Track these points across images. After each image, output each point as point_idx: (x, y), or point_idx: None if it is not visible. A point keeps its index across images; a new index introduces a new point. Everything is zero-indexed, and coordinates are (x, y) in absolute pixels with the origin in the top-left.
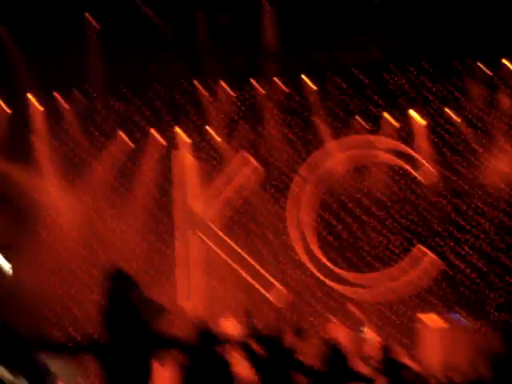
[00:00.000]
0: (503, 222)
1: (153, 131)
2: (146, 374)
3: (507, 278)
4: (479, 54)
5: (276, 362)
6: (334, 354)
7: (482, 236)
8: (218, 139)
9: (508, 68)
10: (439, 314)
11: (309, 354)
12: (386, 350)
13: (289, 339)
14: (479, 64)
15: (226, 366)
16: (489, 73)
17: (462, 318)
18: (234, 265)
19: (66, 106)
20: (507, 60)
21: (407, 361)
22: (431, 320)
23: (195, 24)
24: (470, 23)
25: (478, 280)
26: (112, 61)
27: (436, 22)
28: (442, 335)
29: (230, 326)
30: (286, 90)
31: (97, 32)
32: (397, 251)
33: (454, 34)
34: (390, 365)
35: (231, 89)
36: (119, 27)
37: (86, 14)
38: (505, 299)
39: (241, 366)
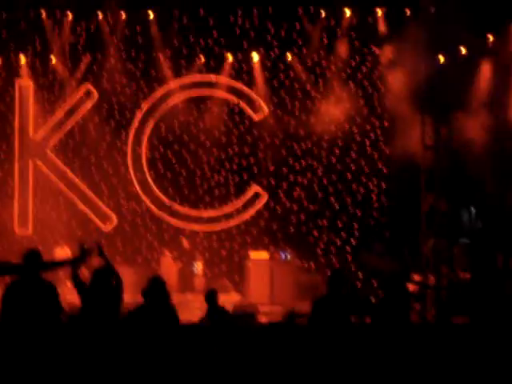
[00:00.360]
0: (334, 165)
1: None
2: None
3: (336, 220)
4: (322, 3)
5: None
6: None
7: (314, 179)
8: (62, 70)
9: (348, 17)
10: (269, 251)
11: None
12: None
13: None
14: (322, 11)
15: (52, 290)
16: (330, 20)
17: (288, 256)
18: (71, 194)
19: None
20: (348, 9)
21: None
22: (259, 256)
23: None
24: None
25: (307, 221)
26: None
27: None
28: (264, 268)
29: (64, 254)
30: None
31: None
32: (232, 189)
33: None
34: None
35: (77, 20)
36: None
37: None
38: (331, 241)
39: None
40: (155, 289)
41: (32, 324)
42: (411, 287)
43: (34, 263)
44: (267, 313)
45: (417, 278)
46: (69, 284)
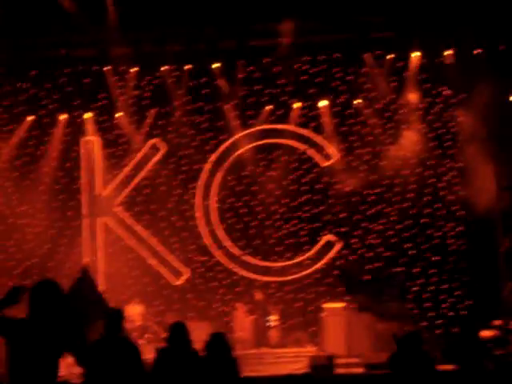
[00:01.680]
0: (408, 211)
1: (62, 116)
2: None
3: (412, 266)
4: (390, 47)
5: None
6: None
7: (388, 225)
8: (128, 125)
9: (418, 61)
10: (343, 302)
11: None
12: None
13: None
14: (389, 56)
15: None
16: (399, 64)
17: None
18: (142, 250)
19: None
20: (416, 52)
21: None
22: (334, 306)
23: (106, 10)
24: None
25: (383, 268)
26: (20, 44)
27: (346, 10)
28: (340, 318)
29: (138, 312)
30: (197, 77)
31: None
32: (304, 240)
33: (364, 26)
34: None
35: (142, 75)
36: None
37: None
38: (407, 288)
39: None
40: (216, 343)
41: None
42: (491, 333)
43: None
44: (344, 365)
45: (497, 323)
46: None
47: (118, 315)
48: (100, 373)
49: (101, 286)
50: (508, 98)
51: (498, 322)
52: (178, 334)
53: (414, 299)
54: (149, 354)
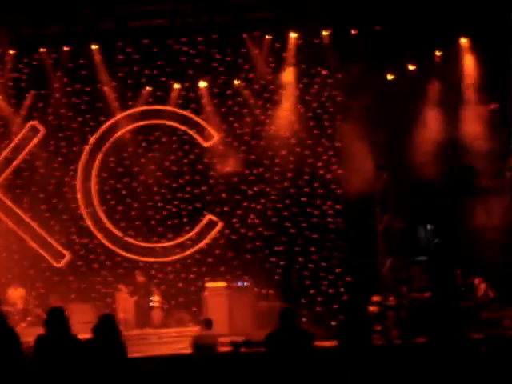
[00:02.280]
0: (288, 190)
1: None
2: None
3: (292, 245)
4: (267, 28)
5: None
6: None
7: (268, 205)
8: (7, 107)
9: (296, 42)
10: (226, 281)
11: None
12: None
13: None
14: (266, 37)
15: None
16: (277, 45)
17: (245, 284)
18: (21, 233)
19: None
20: (294, 33)
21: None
22: (216, 285)
23: None
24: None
25: (263, 247)
26: None
27: None
28: (222, 298)
29: (19, 295)
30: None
31: None
32: (186, 220)
33: (242, 7)
34: None
35: (20, 57)
36: None
37: None
38: (286, 265)
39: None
40: (105, 326)
41: None
42: (371, 308)
43: None
44: (227, 343)
45: (376, 298)
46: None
47: None
48: None
49: None
50: (384, 78)
51: (376, 298)
52: (56, 319)
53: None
54: (31, 338)
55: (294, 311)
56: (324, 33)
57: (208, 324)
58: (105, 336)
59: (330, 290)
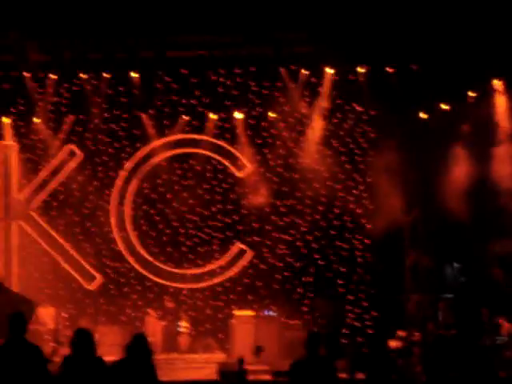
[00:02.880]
0: (318, 223)
1: None
2: None
3: (320, 277)
4: (303, 61)
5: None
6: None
7: (298, 236)
8: (46, 131)
9: (332, 77)
10: (253, 310)
11: None
12: None
13: None
14: (303, 71)
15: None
16: (313, 80)
17: (272, 312)
18: (55, 255)
19: None
20: (330, 68)
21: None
22: (244, 314)
23: (24, 14)
24: (294, 29)
25: (291, 278)
26: None
27: (263, 25)
28: (249, 326)
29: (50, 315)
30: (115, 85)
31: None
32: (216, 248)
33: (279, 41)
34: None
35: (61, 82)
36: None
37: None
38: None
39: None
40: (138, 345)
41: None
42: (395, 343)
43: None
44: (253, 371)
45: (401, 334)
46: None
47: (20, 319)
48: (4, 376)
49: (14, 288)
50: (417, 116)
51: (402, 334)
52: (82, 340)
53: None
54: (59, 358)
55: (319, 336)
56: (360, 69)
57: (258, 350)
58: (137, 355)
59: (356, 324)
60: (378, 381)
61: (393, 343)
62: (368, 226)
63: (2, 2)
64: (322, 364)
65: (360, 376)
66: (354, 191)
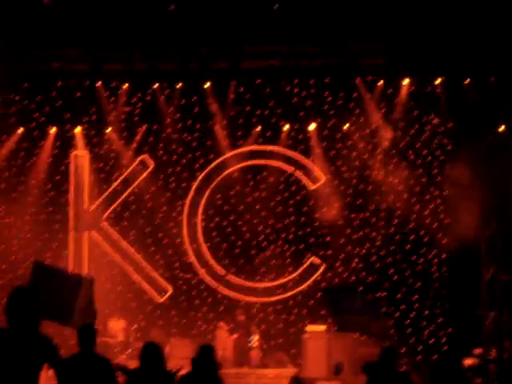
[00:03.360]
0: (393, 236)
1: (52, 129)
2: None
3: (395, 292)
4: (379, 72)
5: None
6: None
7: (372, 250)
8: (118, 141)
9: (408, 88)
10: (326, 325)
11: None
12: None
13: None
14: (380, 82)
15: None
16: (388, 91)
17: None
18: (126, 265)
19: None
20: (406, 79)
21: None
22: (316, 329)
23: (98, 24)
24: (370, 40)
25: (365, 292)
26: (13, 56)
27: (338, 36)
28: (321, 341)
29: (120, 327)
30: (188, 95)
31: None
32: (288, 261)
33: (356, 52)
34: None
35: (133, 91)
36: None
37: None
38: (390, 313)
39: None
40: (205, 357)
41: None
42: (471, 361)
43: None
44: None
45: (478, 351)
46: None
47: (90, 330)
48: None
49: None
50: (495, 129)
51: (478, 351)
52: (151, 354)
53: (395, 325)
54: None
55: (394, 351)
56: (437, 81)
57: (338, 369)
58: (204, 367)
59: (431, 340)
60: None
61: (468, 361)
62: (444, 241)
63: (72, 12)
64: (399, 379)
65: None
66: (430, 204)
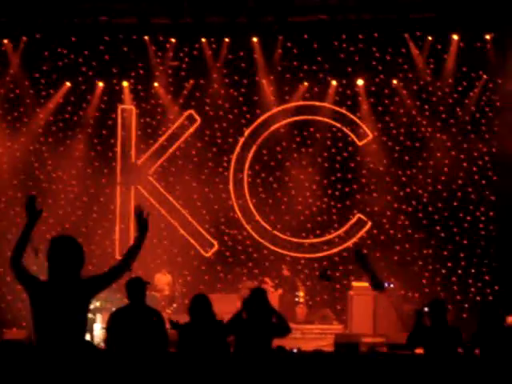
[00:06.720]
0: (440, 193)
1: (100, 83)
2: None
3: (442, 249)
4: (428, 27)
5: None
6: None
7: (419, 207)
8: (165, 96)
9: (458, 44)
10: None
11: None
12: None
13: None
14: (428, 37)
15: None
16: (437, 46)
17: (391, 285)
18: (172, 220)
19: (11, 51)
20: (456, 35)
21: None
22: (362, 285)
23: None
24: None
25: (412, 250)
26: (61, 10)
27: None
28: (367, 298)
29: (165, 280)
30: (236, 50)
31: None
32: (335, 217)
33: (405, 7)
34: None
35: (181, 46)
36: None
37: None
38: (437, 270)
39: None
40: (257, 299)
41: (139, 351)
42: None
43: (139, 291)
44: (370, 344)
45: None
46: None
47: (139, 284)
48: (122, 340)
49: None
50: None
51: None
52: (200, 306)
53: (441, 282)
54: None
55: (444, 304)
56: (487, 36)
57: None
58: (255, 308)
59: (478, 298)
60: (493, 356)
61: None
62: (492, 198)
63: None
64: (447, 331)
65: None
66: (479, 162)
